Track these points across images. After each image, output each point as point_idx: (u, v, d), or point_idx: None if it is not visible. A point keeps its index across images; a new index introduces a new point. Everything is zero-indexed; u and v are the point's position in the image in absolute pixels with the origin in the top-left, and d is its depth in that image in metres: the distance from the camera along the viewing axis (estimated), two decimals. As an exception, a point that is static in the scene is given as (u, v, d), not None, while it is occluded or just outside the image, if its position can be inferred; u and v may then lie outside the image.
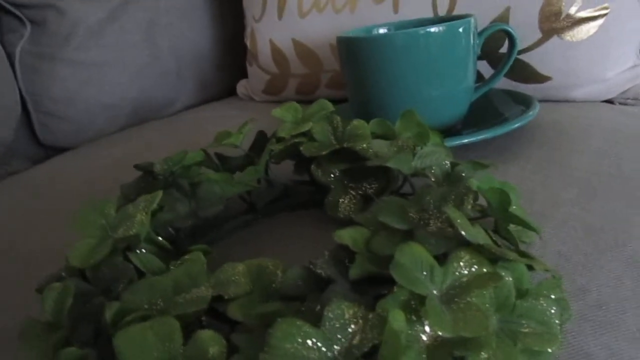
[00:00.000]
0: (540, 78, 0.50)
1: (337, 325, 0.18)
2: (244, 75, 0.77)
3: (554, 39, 0.48)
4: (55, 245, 0.37)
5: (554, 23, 0.48)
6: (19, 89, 0.68)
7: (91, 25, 0.69)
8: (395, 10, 0.54)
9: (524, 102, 0.45)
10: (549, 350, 0.19)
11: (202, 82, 0.81)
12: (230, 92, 0.82)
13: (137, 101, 0.75)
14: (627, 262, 0.26)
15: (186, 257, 0.25)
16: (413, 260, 0.20)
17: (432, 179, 0.26)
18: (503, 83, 0.51)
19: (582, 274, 0.26)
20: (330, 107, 0.34)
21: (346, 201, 0.31)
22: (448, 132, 0.41)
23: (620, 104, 0.50)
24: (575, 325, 0.23)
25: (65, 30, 0.67)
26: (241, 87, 0.76)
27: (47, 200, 0.47)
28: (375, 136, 0.32)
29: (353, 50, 0.42)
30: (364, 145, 0.30)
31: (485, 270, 0.20)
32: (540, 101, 0.44)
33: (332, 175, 0.31)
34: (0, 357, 0.27)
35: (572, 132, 0.43)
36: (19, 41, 0.68)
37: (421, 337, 0.19)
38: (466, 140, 0.37)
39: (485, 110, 0.46)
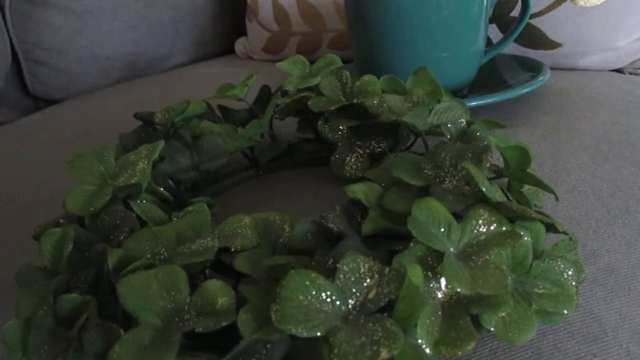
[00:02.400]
0: (550, 44, 0.49)
1: (352, 279, 0.17)
2: (242, 33, 0.75)
3: (567, 4, 0.47)
4: (51, 194, 0.36)
5: (568, -13, 0.47)
6: (9, 37, 0.65)
7: (85, -29, 0.66)
8: (405, -32, 0.52)
9: (533, 67, 0.43)
10: (565, 312, 0.19)
11: (199, 38, 0.79)
12: (228, 51, 0.80)
13: (131, 54, 0.72)
14: (638, 229, 0.26)
15: (189, 208, 0.24)
16: (430, 216, 0.19)
17: (448, 136, 0.25)
18: (511, 48, 0.50)
19: (593, 239, 0.25)
20: (338, 61, 0.33)
21: (353, 159, 0.30)
22: (454, 95, 0.40)
23: (630, 73, 0.49)
24: (586, 289, 0.23)
25: (58, -25, 0.65)
26: (239, 45, 0.74)
27: (41, 150, 0.45)
28: (386, 92, 0.31)
29: (360, 8, 0.41)
30: (375, 102, 0.29)
31: (504, 228, 0.19)
32: (550, 69, 0.43)
33: (339, 132, 0.30)
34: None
35: (582, 100, 0.42)
36: (9, -15, 0.65)
37: (436, 293, 0.18)
38: (475, 103, 0.36)
39: (491, 75, 0.45)
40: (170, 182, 0.30)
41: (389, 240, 0.21)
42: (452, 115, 0.25)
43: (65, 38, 0.67)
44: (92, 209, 0.23)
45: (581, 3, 0.47)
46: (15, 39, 0.66)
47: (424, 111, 0.24)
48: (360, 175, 0.30)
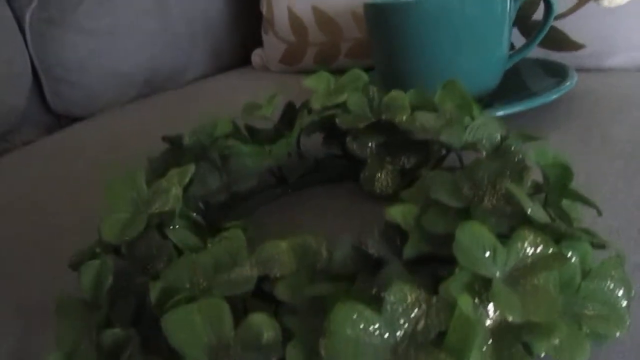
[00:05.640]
0: (573, 46, 0.48)
1: (400, 310, 0.17)
2: (259, 43, 0.75)
3: (590, 5, 0.46)
4: (82, 215, 0.36)
5: (591, -13, 0.46)
6: (30, 57, 0.66)
7: (101, -10, 0.67)
8: (422, -25, 0.52)
9: (558, 71, 0.43)
10: (617, 333, 0.18)
11: (215, 50, 0.79)
12: (244, 61, 0.80)
13: (149, 69, 0.73)
14: (682, 239, 0.25)
15: (224, 234, 0.24)
16: (475, 240, 0.18)
17: (483, 152, 0.24)
18: (534, 51, 0.49)
19: (635, 251, 0.25)
20: (365, 77, 0.33)
21: (383, 176, 0.30)
22: (479, 103, 0.40)
23: (657, 73, 0.48)
24: (634, 306, 0.22)
25: (74, -5, 0.65)
26: (256, 56, 0.74)
27: (69, 169, 0.46)
28: (413, 107, 0.30)
29: (382, 18, 0.40)
30: (404, 117, 0.28)
31: (550, 250, 0.19)
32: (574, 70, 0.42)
33: (368, 149, 0.30)
34: (34, 331, 0.26)
35: (610, 102, 0.41)
36: (28, 6, 0.66)
37: (485, 321, 0.18)
38: (503, 112, 0.36)
39: (515, 80, 0.44)
40: (200, 204, 0.30)
41: (430, 263, 0.20)
42: (487, 131, 0.24)
43: (84, 56, 0.67)
44: (128, 237, 0.23)
45: (605, 3, 0.46)
46: (36, 59, 0.67)
47: (459, 129, 0.24)
48: (391, 191, 0.30)
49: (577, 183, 0.30)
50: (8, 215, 0.40)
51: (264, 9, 0.68)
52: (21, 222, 0.38)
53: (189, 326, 0.18)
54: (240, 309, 0.20)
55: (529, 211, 0.19)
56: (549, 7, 0.42)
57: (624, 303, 0.19)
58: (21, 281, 0.31)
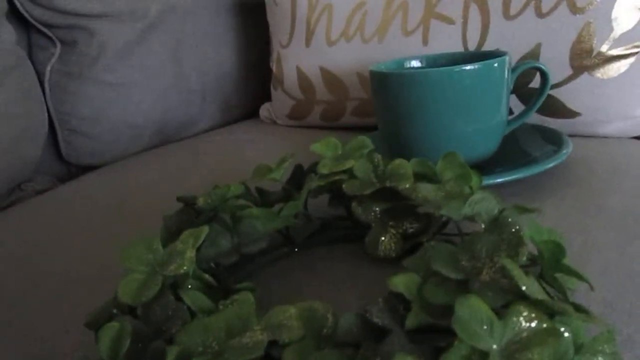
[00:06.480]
0: (569, 114, 0.50)
1: (402, 381, 0.18)
2: (267, 97, 0.78)
3: (584, 76, 0.49)
4: (93, 265, 0.38)
5: (585, 60, 0.48)
6: (47, 109, 0.69)
7: (119, 47, 0.70)
8: (425, 43, 0.55)
9: (554, 138, 0.45)
10: (608, 409, 0.19)
11: (225, 103, 0.82)
12: (252, 114, 0.83)
13: (161, 121, 0.75)
14: (673, 312, 0.26)
15: (235, 297, 0.25)
16: (473, 314, 0.20)
17: (482, 225, 0.26)
18: (531, 117, 0.51)
19: (628, 324, 0.26)
20: (370, 145, 0.35)
21: (386, 240, 0.31)
22: (478, 168, 0.41)
23: (649, 141, 0.51)
24: (626, 379, 0.23)
25: (94, 51, 0.69)
26: (264, 110, 0.77)
27: (80, 220, 0.47)
28: (416, 175, 0.32)
29: (386, 85, 0.43)
30: (407, 186, 0.30)
31: (544, 325, 0.20)
32: (569, 136, 0.44)
33: (372, 214, 0.32)
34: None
35: (604, 170, 0.43)
36: (49, 60, 0.69)
37: (482, 393, 0.19)
38: (502, 180, 0.38)
39: (512, 146, 0.46)
40: (211, 263, 0.31)
41: (432, 333, 0.21)
42: (485, 206, 0.26)
43: (98, 108, 0.70)
44: (144, 299, 0.25)
45: (599, 75, 0.48)
46: (53, 110, 0.69)
47: (459, 203, 0.25)
48: (394, 255, 0.31)
49: (572, 252, 0.32)
50: (18, 263, 0.41)
51: (274, 67, 0.71)
52: (32, 271, 0.39)
53: (203, 391, 0.19)
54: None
55: (523, 288, 0.20)
56: (545, 79, 0.44)
57: (615, 378, 0.20)
58: (29, 332, 0.32)
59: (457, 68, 0.39)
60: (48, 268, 0.40)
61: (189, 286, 0.27)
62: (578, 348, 0.21)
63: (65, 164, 0.75)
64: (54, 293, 0.36)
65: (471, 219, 0.27)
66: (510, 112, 0.51)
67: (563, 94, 0.50)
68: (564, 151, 0.41)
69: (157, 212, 0.35)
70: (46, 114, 0.68)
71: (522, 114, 0.46)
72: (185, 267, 0.26)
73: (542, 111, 0.51)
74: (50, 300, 0.35)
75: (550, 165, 0.39)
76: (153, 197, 0.50)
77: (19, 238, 0.46)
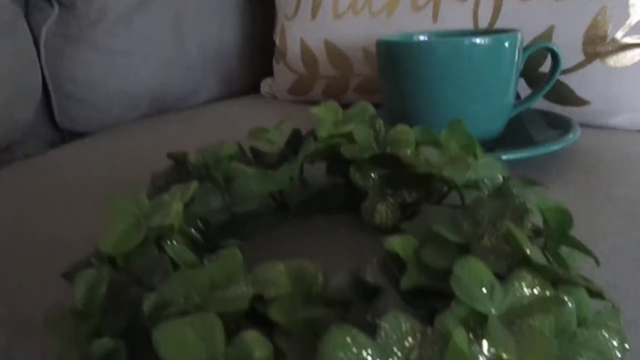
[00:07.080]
0: (578, 101, 0.49)
1: (394, 338, 0.16)
2: (268, 73, 0.76)
3: (596, 63, 0.47)
4: (81, 230, 0.36)
5: (598, 46, 0.47)
6: (42, 71, 0.67)
7: (120, 11, 0.68)
8: (435, 20, 0.53)
9: (562, 123, 0.43)
10: (610, 384, 0.18)
11: (226, 77, 0.81)
12: (253, 89, 0.82)
13: (159, 92, 0.74)
14: (679, 297, 0.25)
15: (222, 252, 0.24)
16: (473, 275, 0.18)
17: (485, 191, 0.24)
18: (538, 103, 0.50)
19: (632, 308, 0.25)
20: (372, 110, 0.33)
21: (383, 208, 0.30)
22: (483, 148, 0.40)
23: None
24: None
25: (94, 14, 0.67)
26: (265, 85, 0.76)
27: (70, 185, 0.46)
28: (418, 143, 0.31)
29: (394, 55, 0.41)
30: (409, 152, 0.29)
31: (548, 293, 0.19)
32: (576, 125, 0.43)
33: (370, 180, 0.30)
34: (25, 345, 0.26)
35: (612, 160, 0.41)
36: (45, 21, 0.67)
37: (479, 358, 0.17)
38: (506, 157, 0.36)
39: (518, 130, 0.45)
40: (199, 222, 0.30)
41: (427, 296, 0.20)
42: (489, 171, 0.25)
43: (96, 74, 0.68)
44: (124, 249, 0.23)
45: (611, 62, 0.47)
46: (48, 74, 0.67)
47: (462, 166, 0.24)
48: (390, 224, 0.30)
49: (578, 236, 0.30)
50: (4, 226, 0.40)
51: (277, 40, 0.69)
52: (18, 235, 0.38)
53: (180, 340, 0.17)
54: (233, 328, 0.20)
55: (528, 252, 0.19)
56: (555, 61, 0.43)
57: (618, 354, 0.19)
58: (14, 294, 0.30)
59: (467, 40, 0.38)
60: (35, 231, 0.38)
61: (174, 242, 0.26)
62: (581, 321, 0.20)
63: (58, 132, 0.73)
64: (37, 256, 0.34)
65: (475, 186, 0.25)
66: (517, 97, 0.49)
67: (573, 81, 0.49)
68: (571, 135, 0.39)
69: (149, 178, 0.34)
70: (40, 77, 0.66)
71: (531, 97, 0.45)
72: (170, 219, 0.24)
73: (550, 97, 0.50)
74: (33, 263, 0.34)
75: (558, 147, 0.37)
76: (145, 164, 0.48)
77: (5, 201, 0.44)
